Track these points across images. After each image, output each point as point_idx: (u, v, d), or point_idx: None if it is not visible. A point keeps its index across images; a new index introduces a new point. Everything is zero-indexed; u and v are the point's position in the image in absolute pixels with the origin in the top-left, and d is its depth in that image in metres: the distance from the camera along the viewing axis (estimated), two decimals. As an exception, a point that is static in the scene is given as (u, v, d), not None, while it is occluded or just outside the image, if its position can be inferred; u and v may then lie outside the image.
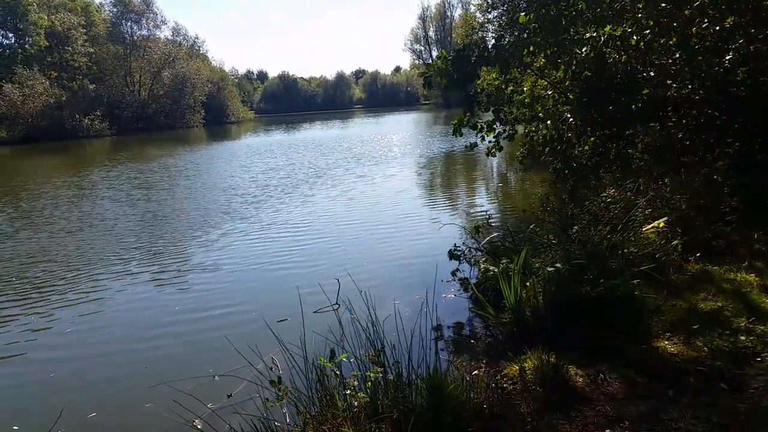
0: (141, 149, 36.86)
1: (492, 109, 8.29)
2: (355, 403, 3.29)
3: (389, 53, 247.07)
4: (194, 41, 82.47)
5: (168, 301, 7.29)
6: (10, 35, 63.12)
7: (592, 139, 8.25)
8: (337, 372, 3.47)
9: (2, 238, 11.37)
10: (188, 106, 70.00)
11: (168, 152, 32.79)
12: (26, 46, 61.96)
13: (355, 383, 3.46)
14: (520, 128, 9.23)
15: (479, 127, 8.05)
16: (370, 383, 3.37)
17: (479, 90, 8.21)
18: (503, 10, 22.98)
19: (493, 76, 8.49)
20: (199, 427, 3.74)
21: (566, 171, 8.49)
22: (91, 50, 65.79)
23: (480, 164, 19.14)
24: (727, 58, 6.72)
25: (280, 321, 4.83)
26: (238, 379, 4.10)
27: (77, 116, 56.06)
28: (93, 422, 4.43)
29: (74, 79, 61.93)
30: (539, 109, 8.93)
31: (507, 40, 8.48)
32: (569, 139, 8.51)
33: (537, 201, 8.68)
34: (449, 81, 7.83)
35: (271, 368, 3.51)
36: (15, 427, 4.07)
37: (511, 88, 8.61)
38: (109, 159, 30.77)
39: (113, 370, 5.42)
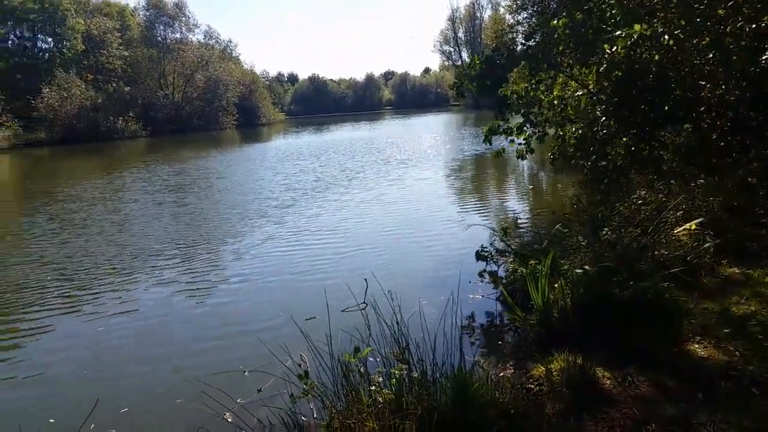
0: (174, 151, 37.54)
1: (522, 111, 8.26)
2: (380, 399, 3.33)
3: (418, 55, 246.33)
4: (227, 44, 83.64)
5: (199, 299, 7.44)
6: (50, 39, 65.11)
7: (624, 140, 8.16)
8: (362, 369, 3.52)
9: (41, 239, 11.73)
10: (221, 108, 70.85)
11: (200, 154, 33.36)
12: (64, 50, 63.78)
13: (380, 379, 3.51)
14: (551, 130, 9.16)
15: (510, 131, 8.03)
16: (394, 380, 3.42)
17: (509, 93, 8.18)
18: (533, 11, 22.80)
19: (522, 84, 8.45)
20: (229, 420, 3.84)
21: (598, 172, 8.41)
22: (126, 53, 67.31)
23: (511, 166, 19.01)
24: (764, 58, 6.58)
25: (309, 319, 4.91)
26: (267, 375, 4.19)
27: (112, 118, 57.29)
28: (125, 416, 4.55)
29: (109, 82, 63.42)
30: (570, 110, 8.86)
31: (536, 41, 8.45)
32: (600, 141, 8.43)
33: (568, 203, 8.60)
34: (480, 87, 7.85)
35: (299, 365, 3.57)
36: (51, 420, 4.21)
37: (542, 89, 8.55)
38: (143, 161, 31.43)
39: (145, 366, 5.56)
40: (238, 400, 3.97)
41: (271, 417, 3.38)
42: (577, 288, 4.99)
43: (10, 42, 63.63)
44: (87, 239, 11.26)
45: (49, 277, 8.66)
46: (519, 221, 9.08)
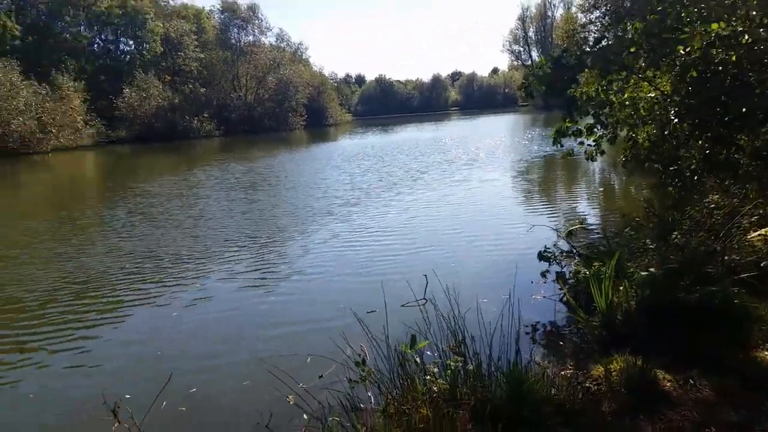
0: (246, 150, 38.84)
1: (592, 112, 8.11)
2: (435, 389, 3.44)
3: (487, 55, 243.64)
4: (297, 47, 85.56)
5: (267, 291, 7.76)
6: (131, 42, 68.82)
7: (698, 142, 7.89)
8: (418, 360, 3.64)
9: (121, 232, 12.49)
10: (291, 109, 72.43)
11: (270, 153, 34.39)
12: (144, 52, 67.20)
13: (435, 370, 3.62)
14: (623, 132, 8.94)
15: (579, 132, 7.90)
16: (450, 371, 3.51)
17: (579, 94, 8.05)
18: (606, 9, 22.19)
19: (593, 85, 8.29)
20: (291, 402, 4.04)
21: (670, 176, 8.18)
22: (202, 55, 70.08)
23: (582, 168, 18.58)
24: None
25: (369, 312, 5.07)
26: (328, 362, 4.36)
27: (188, 118, 59.83)
28: (194, 395, 4.84)
29: (186, 83, 66.25)
30: (642, 112, 8.64)
31: (608, 41, 8.29)
32: (673, 143, 8.18)
33: (639, 206, 8.40)
34: (548, 88, 7.78)
35: (358, 354, 3.72)
36: (127, 396, 4.52)
37: (614, 90, 8.37)
38: (217, 159, 32.75)
39: (215, 351, 5.88)
40: (301, 385, 4.16)
41: (330, 400, 3.55)
42: (642, 290, 4.91)
43: (95, 45, 67.72)
44: (163, 233, 11.89)
45: (127, 267, 9.23)
46: (585, 223, 8.92)
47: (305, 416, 3.78)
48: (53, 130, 46.61)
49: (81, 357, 5.90)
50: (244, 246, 10.37)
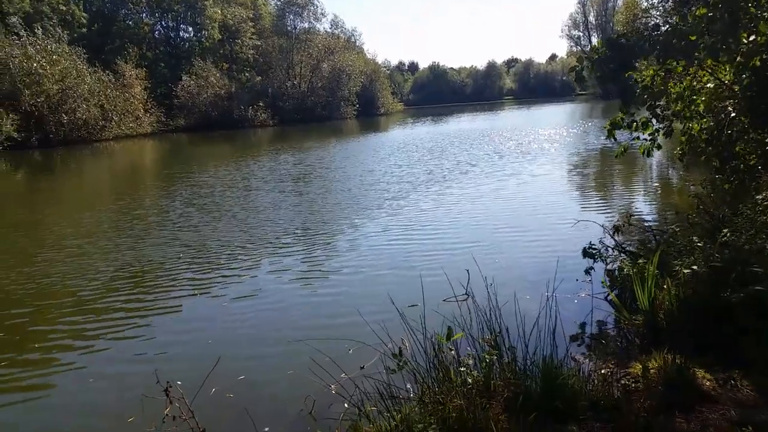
0: (298, 140, 39.43)
1: (648, 104, 7.91)
2: (469, 380, 3.55)
3: (544, 40, 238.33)
4: (351, 33, 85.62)
5: (314, 284, 8.00)
6: (190, 29, 70.21)
7: (759, 136, 7.61)
8: (452, 349, 3.76)
9: (179, 222, 13.04)
10: (343, 98, 72.65)
11: (323, 143, 34.88)
12: (202, 39, 68.56)
13: (471, 362, 3.73)
14: (679, 125, 8.70)
15: (634, 125, 7.73)
16: (485, 364, 3.62)
17: (637, 76, 7.84)
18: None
19: (651, 70, 8.09)
20: (333, 391, 4.24)
21: (727, 171, 7.93)
22: (258, 43, 71.02)
23: (639, 162, 18.07)
24: None
25: (411, 306, 5.19)
26: (369, 354, 4.54)
27: (242, 107, 60.71)
28: (242, 382, 5.11)
29: (242, 71, 67.33)
30: (700, 103, 8.38)
31: (670, 26, 8.04)
32: (730, 136, 7.92)
33: (694, 202, 8.19)
34: (602, 73, 7.62)
35: (398, 346, 3.86)
36: (179, 382, 4.81)
37: (673, 78, 8.13)
38: (270, 149, 33.47)
39: (261, 341, 6.19)
40: (342, 375, 4.35)
41: (370, 389, 3.72)
42: (685, 289, 4.86)
43: (156, 32, 69.65)
44: (217, 224, 12.30)
45: (182, 257, 9.65)
46: (635, 219, 8.78)
47: (346, 405, 3.97)
48: (115, 118, 48.38)
49: (137, 344, 6.27)
50: (294, 238, 10.67)
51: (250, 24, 71.29)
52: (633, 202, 12.81)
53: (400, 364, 3.56)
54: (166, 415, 2.96)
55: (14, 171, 29.17)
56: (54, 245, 11.07)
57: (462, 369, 3.60)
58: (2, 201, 19.81)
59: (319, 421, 4.13)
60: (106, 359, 5.92)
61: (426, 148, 26.89)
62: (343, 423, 3.64)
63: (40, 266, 9.50)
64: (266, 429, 4.01)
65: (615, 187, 15.09)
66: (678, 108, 8.40)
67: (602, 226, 7.26)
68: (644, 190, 14.45)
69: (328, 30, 79.65)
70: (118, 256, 9.87)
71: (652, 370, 3.96)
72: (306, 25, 74.87)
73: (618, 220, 7.24)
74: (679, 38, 7.31)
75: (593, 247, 6.86)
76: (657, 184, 15.38)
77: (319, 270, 8.62)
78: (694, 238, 5.89)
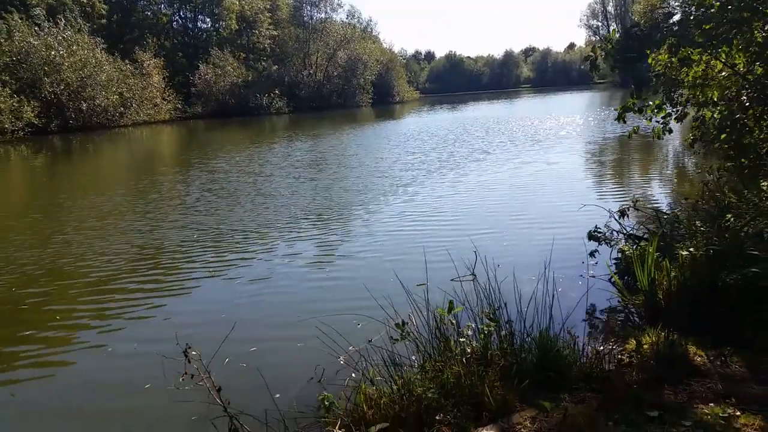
0: (312, 127, 39.67)
1: (661, 89, 7.97)
2: (468, 350, 3.75)
3: (563, 30, 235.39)
4: (368, 23, 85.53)
5: (327, 265, 8.25)
6: (207, 20, 71.03)
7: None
8: (453, 321, 3.96)
9: (196, 207, 13.37)
10: (359, 86, 72.93)
11: (337, 131, 35.06)
12: (220, 29, 69.22)
13: (470, 332, 3.93)
14: (692, 111, 8.74)
15: (649, 109, 7.79)
16: (483, 335, 3.81)
17: (652, 61, 7.90)
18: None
19: (665, 56, 8.13)
20: (341, 361, 4.47)
21: (739, 159, 7.98)
22: (275, 33, 71.40)
23: (655, 150, 18.02)
24: None
25: (419, 285, 5.38)
26: (377, 328, 4.74)
27: (258, 95, 61.33)
28: (254, 353, 5.35)
29: (259, 61, 67.80)
30: (713, 92, 8.41)
31: (685, 14, 8.07)
32: (744, 125, 7.96)
33: (706, 189, 8.27)
34: (615, 62, 7.69)
35: (402, 319, 4.06)
36: (194, 352, 5.07)
37: (686, 68, 8.17)
38: (284, 136, 33.73)
39: (276, 315, 6.47)
40: (350, 348, 4.58)
41: (375, 358, 3.94)
42: (684, 271, 5.00)
43: (174, 22, 70.34)
44: (232, 208, 12.58)
45: (199, 240, 9.97)
46: (644, 205, 8.86)
47: (353, 373, 4.21)
48: (134, 105, 49.31)
49: (156, 322, 6.53)
50: (308, 223, 10.91)
51: (267, 14, 71.57)
52: (646, 189, 12.85)
53: (403, 334, 3.77)
54: (185, 373, 3.18)
55: (34, 155, 29.76)
56: (73, 227, 11.44)
57: (462, 339, 3.80)
58: (22, 184, 20.37)
59: (326, 388, 4.36)
60: (123, 337, 6.16)
61: (439, 136, 26.92)
62: (349, 387, 3.86)
63: (58, 247, 9.85)
64: (277, 395, 4.23)
65: (629, 175, 15.11)
66: (693, 93, 8.44)
67: (608, 210, 7.38)
68: (659, 178, 14.48)
69: (345, 20, 79.74)
70: (136, 238, 10.19)
71: (645, 346, 4.13)
72: (323, 15, 75.20)
73: (627, 206, 7.36)
74: (696, 26, 7.37)
75: (598, 230, 7.00)
76: (671, 172, 15.38)
77: (332, 253, 8.84)
78: (697, 222, 6.01)
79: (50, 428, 4.56)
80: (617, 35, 7.44)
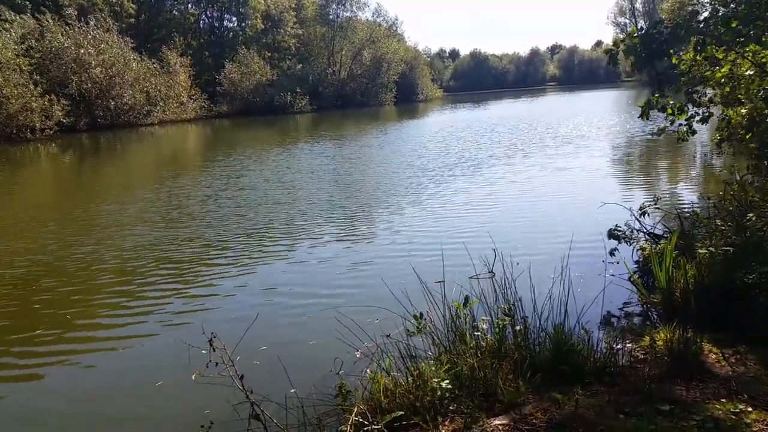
0: (336, 126, 39.96)
1: (685, 89, 7.91)
2: (483, 343, 3.84)
3: (590, 28, 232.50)
4: (393, 22, 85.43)
5: (350, 260, 8.40)
6: (234, 19, 71.75)
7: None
8: (467, 313, 4.05)
9: (223, 202, 13.66)
10: (382, 84, 72.95)
11: (361, 129, 35.27)
12: (246, 28, 69.93)
13: (485, 326, 4.02)
14: (717, 110, 8.64)
15: (669, 109, 7.74)
16: (497, 328, 3.90)
17: (676, 60, 7.85)
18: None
19: (689, 55, 8.07)
20: (358, 354, 4.60)
21: (762, 158, 7.91)
22: (300, 32, 71.84)
23: (682, 150, 17.79)
24: None
25: (438, 282, 5.47)
26: (394, 322, 4.85)
27: (282, 94, 61.69)
28: (276, 343, 5.52)
29: (284, 59, 68.28)
30: (741, 90, 8.31)
31: (706, 15, 8.00)
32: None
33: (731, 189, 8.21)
34: (637, 58, 7.66)
35: (420, 312, 4.16)
36: (219, 342, 5.26)
37: (710, 68, 8.09)
38: (309, 134, 34.13)
39: (298, 307, 6.63)
40: (366, 343, 4.71)
41: (391, 350, 4.05)
42: (703, 269, 5.01)
43: (201, 22, 71.31)
44: (258, 205, 12.83)
45: (223, 236, 10.23)
46: (667, 205, 8.85)
47: (369, 363, 4.33)
48: (160, 104, 50.07)
49: (182, 315, 6.73)
50: (328, 218, 11.11)
51: (293, 13, 72.06)
52: (670, 188, 12.79)
53: (420, 326, 3.87)
54: (209, 360, 3.34)
55: (62, 153, 30.41)
56: (102, 223, 11.78)
57: (477, 333, 3.89)
58: (50, 181, 20.94)
59: (344, 379, 4.49)
60: (158, 327, 6.38)
61: (463, 138, 26.82)
62: (366, 378, 3.97)
63: (88, 241, 10.17)
64: (295, 386, 4.35)
65: (654, 174, 14.98)
66: (722, 92, 8.34)
67: (629, 209, 7.38)
68: (684, 178, 14.33)
69: (370, 18, 79.67)
70: (166, 234, 10.46)
71: (659, 342, 4.17)
72: (348, 14, 75.16)
73: (645, 204, 7.36)
74: (723, 24, 7.30)
75: (618, 228, 7.01)
76: (697, 172, 15.20)
77: (357, 248, 9.00)
78: (718, 221, 6.00)
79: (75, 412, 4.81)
80: (637, 32, 7.41)
